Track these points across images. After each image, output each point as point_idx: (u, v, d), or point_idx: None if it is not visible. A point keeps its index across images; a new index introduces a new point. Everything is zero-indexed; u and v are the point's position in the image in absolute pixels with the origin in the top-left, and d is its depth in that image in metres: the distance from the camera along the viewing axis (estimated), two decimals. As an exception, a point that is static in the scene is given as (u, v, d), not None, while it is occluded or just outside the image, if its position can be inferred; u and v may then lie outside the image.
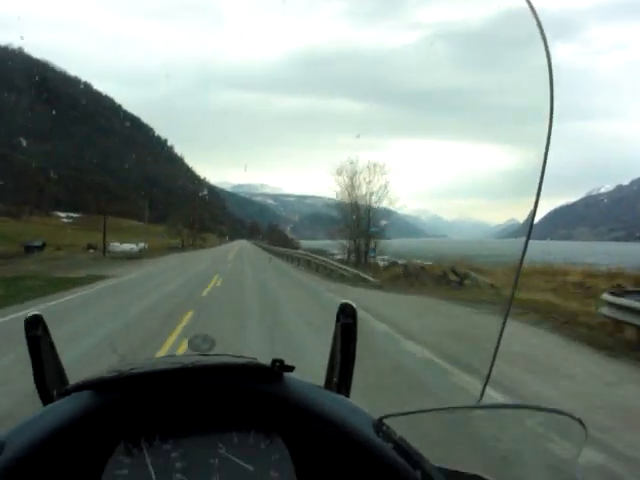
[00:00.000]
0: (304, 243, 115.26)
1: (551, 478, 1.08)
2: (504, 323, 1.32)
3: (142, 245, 59.98)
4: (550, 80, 1.14)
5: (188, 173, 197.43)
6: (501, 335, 1.29)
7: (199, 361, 1.02)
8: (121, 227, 76.88)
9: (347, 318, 1.25)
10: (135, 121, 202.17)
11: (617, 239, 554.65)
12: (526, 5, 1.13)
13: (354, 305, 1.26)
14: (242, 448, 0.97)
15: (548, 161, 1.15)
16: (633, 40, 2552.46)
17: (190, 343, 1.26)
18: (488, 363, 1.29)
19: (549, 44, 1.10)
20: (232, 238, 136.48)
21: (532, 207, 1.17)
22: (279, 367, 0.99)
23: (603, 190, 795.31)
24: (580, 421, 1.00)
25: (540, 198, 1.20)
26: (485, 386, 1.27)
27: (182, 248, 73.69)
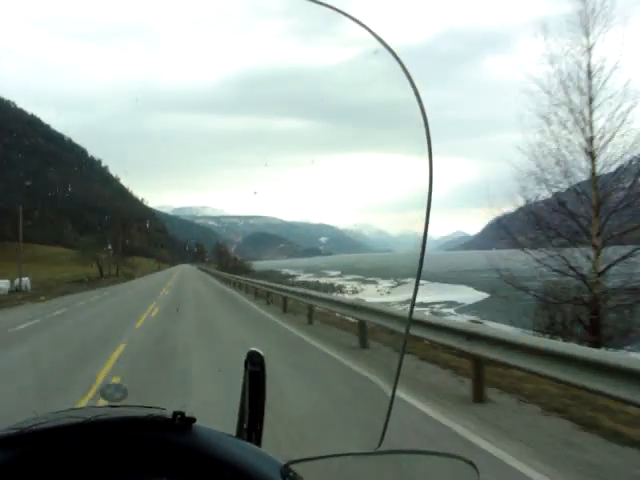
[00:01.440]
0: (256, 264, 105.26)
1: None
2: (402, 356, 1.37)
3: (25, 280, 44.62)
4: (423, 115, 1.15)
5: (125, 195, 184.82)
6: (398, 373, 1.30)
7: (102, 414, 1.04)
8: (37, 255, 64.13)
9: (255, 366, 1.27)
10: (60, 141, 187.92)
11: (559, 245, 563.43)
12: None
13: (261, 353, 1.28)
14: None
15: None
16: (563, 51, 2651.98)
17: (102, 393, 1.24)
18: None
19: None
20: (174, 263, 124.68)
21: (424, 221, 1.17)
22: (180, 419, 1.00)
23: (542, 198, 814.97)
24: (472, 464, 1.07)
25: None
26: (384, 433, 1.25)
27: (96, 281, 54.30)
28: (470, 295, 50.43)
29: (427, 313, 35.37)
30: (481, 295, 48.57)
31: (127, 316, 19.29)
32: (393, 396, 1.29)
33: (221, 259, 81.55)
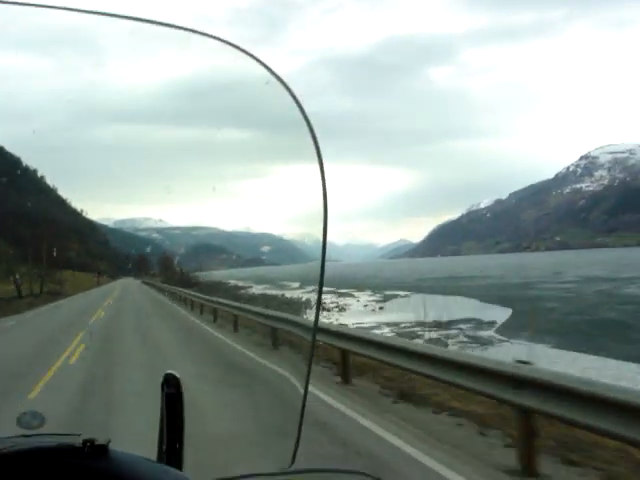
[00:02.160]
0: (199, 276, 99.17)
1: None
2: (309, 370, 1.38)
3: None
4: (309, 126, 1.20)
5: (64, 207, 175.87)
6: (306, 391, 1.33)
7: (10, 446, 1.01)
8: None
9: (171, 388, 1.28)
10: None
11: (504, 251, 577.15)
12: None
13: (178, 375, 1.29)
14: None
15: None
16: (505, 61, 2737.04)
17: (19, 420, 1.25)
18: None
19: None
20: (116, 276, 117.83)
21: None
22: (89, 447, 1.00)
23: (482, 205, 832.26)
24: None
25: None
26: (296, 451, 1.28)
27: (9, 303, 40.18)
28: (489, 310, 42.08)
29: (462, 339, 28.55)
30: (496, 308, 42.15)
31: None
32: (302, 415, 1.29)
33: (166, 272, 76.01)
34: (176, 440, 1.27)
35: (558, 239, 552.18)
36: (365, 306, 51.15)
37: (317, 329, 1.54)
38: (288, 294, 62.43)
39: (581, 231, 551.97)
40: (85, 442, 0.98)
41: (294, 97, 1.19)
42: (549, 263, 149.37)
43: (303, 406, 1.31)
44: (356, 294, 64.80)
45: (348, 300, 56.56)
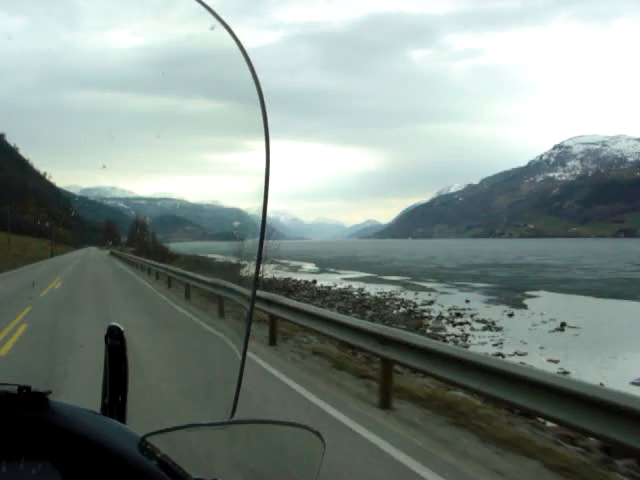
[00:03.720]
0: (173, 246, 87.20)
1: None
2: (248, 327, 1.38)
3: None
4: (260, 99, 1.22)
5: (24, 167, 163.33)
6: (246, 345, 1.33)
7: None
8: None
9: (115, 340, 1.28)
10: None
11: (476, 236, 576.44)
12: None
13: (121, 327, 1.29)
14: (12, 476, 0.96)
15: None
16: (484, 48, 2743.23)
17: None
18: None
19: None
20: (79, 245, 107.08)
21: (263, 208, 1.27)
22: (25, 394, 0.98)
23: (453, 189, 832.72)
24: (319, 434, 1.13)
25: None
26: (236, 402, 1.31)
27: None
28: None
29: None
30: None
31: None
32: (242, 368, 1.31)
33: (140, 241, 64.40)
34: (119, 392, 1.27)
35: (532, 227, 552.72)
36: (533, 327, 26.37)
37: (257, 285, 1.35)
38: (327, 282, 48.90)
39: (555, 219, 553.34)
40: (21, 389, 0.96)
41: (252, 70, 1.19)
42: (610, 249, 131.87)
43: (243, 359, 1.31)
44: (385, 278, 53.16)
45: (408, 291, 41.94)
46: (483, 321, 27.14)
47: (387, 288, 44.02)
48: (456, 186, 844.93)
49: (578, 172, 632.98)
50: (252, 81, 1.20)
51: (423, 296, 38.32)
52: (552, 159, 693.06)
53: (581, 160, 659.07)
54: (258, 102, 1.21)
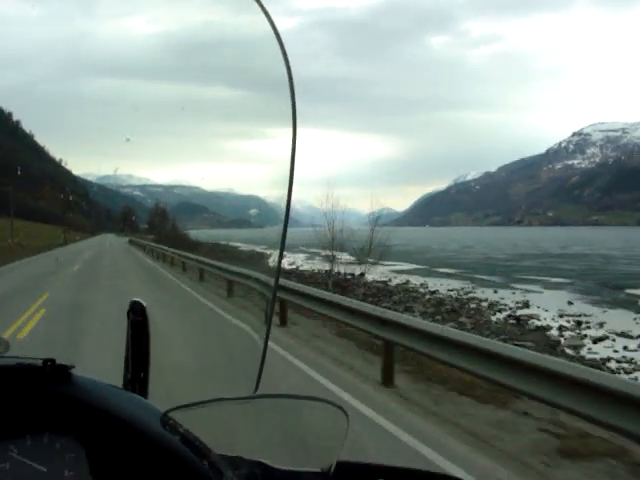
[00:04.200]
0: (193, 233, 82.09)
1: (318, 460, 1.17)
2: (273, 303, 1.42)
3: None
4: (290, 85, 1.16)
5: (40, 154, 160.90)
6: (271, 320, 1.40)
7: None
8: None
9: (137, 316, 1.28)
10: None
11: (495, 224, 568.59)
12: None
13: (144, 303, 1.29)
14: (36, 450, 0.98)
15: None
16: (503, 34, 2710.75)
17: None
18: None
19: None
20: (95, 232, 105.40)
21: (286, 196, 1.23)
22: (50, 366, 0.99)
23: (470, 177, 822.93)
24: (343, 410, 1.10)
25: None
26: (259, 378, 1.30)
27: None
28: None
29: None
30: None
31: None
32: (266, 342, 1.32)
33: (160, 228, 60.41)
34: (141, 368, 1.26)
35: (551, 215, 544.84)
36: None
37: (279, 271, 1.27)
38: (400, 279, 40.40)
39: (575, 208, 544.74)
40: (46, 362, 0.97)
41: (285, 58, 1.14)
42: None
43: (267, 332, 1.33)
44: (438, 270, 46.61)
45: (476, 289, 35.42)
46: (623, 334, 19.88)
47: (452, 284, 36.88)
48: (473, 174, 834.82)
49: (598, 159, 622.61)
50: (279, 68, 1.12)
51: (505, 294, 31.79)
52: (571, 146, 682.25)
53: (601, 147, 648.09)
54: (284, 89, 1.13)
